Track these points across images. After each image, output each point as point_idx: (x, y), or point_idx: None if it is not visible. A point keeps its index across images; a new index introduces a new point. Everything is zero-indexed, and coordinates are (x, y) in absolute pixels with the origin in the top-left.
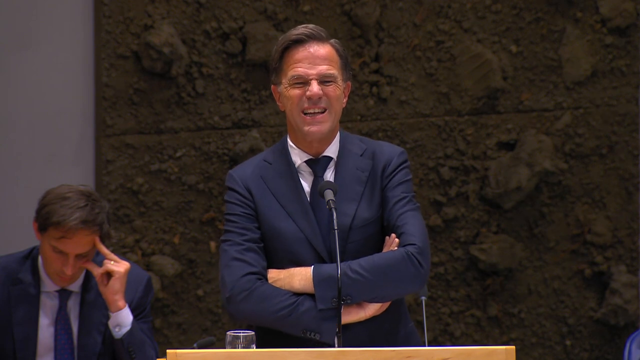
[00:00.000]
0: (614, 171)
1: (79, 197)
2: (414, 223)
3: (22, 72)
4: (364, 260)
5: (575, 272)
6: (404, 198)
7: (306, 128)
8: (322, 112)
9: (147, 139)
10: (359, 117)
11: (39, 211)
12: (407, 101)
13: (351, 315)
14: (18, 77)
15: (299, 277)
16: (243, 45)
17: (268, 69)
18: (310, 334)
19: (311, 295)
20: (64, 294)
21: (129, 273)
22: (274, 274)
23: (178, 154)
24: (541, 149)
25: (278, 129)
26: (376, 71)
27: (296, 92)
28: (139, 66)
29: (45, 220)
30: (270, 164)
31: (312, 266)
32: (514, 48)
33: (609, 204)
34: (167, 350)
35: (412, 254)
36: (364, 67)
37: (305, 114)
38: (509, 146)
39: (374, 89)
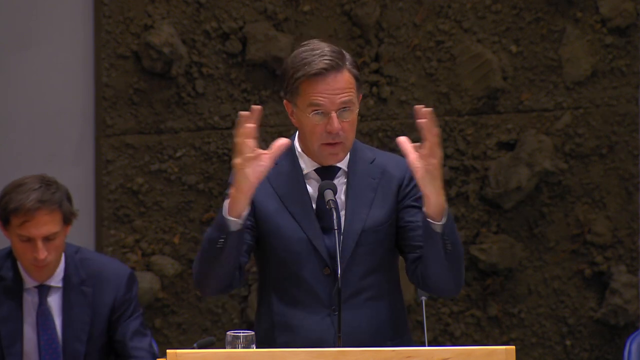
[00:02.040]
0: (614, 171)
1: (33, 182)
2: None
3: (22, 72)
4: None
5: (575, 272)
6: None
7: (327, 157)
8: (339, 143)
9: (147, 139)
10: (359, 117)
11: None
12: (407, 101)
13: None
14: (18, 77)
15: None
16: (243, 45)
17: (269, 70)
18: (219, 238)
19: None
20: (43, 289)
21: (108, 270)
22: None
23: (178, 154)
24: (541, 149)
25: (278, 129)
26: (376, 71)
27: (316, 124)
28: (139, 66)
29: (4, 211)
30: (276, 164)
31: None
32: (514, 48)
33: (609, 204)
34: (167, 350)
35: None
36: (364, 67)
37: (324, 144)
38: (509, 146)
39: (374, 89)
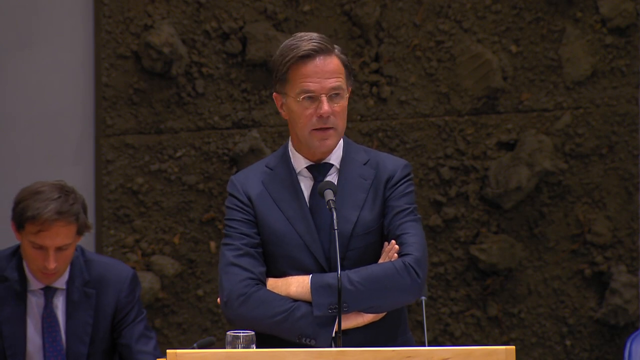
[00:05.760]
0: (614, 171)
1: (52, 190)
2: (413, 233)
3: (22, 72)
4: (362, 270)
5: (575, 272)
6: (406, 209)
7: (317, 143)
8: (330, 129)
9: (147, 139)
10: (359, 117)
11: (14, 209)
12: (407, 101)
13: (349, 321)
14: (18, 77)
15: (296, 285)
16: (243, 45)
17: (268, 69)
18: (305, 340)
19: (308, 302)
20: (49, 292)
21: (111, 272)
22: (271, 282)
23: (178, 154)
24: (541, 149)
25: (278, 129)
26: (376, 71)
27: (307, 110)
28: (139, 66)
29: (20, 216)
30: (272, 169)
31: (310, 275)
32: (514, 48)
33: (609, 204)
34: (167, 350)
35: (409, 264)
36: (364, 67)
37: (315, 129)
38: (509, 146)
39: (374, 89)
